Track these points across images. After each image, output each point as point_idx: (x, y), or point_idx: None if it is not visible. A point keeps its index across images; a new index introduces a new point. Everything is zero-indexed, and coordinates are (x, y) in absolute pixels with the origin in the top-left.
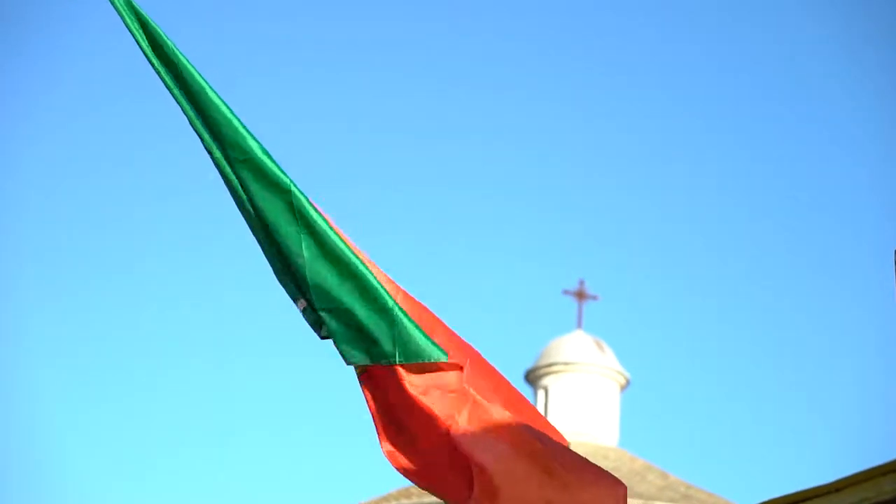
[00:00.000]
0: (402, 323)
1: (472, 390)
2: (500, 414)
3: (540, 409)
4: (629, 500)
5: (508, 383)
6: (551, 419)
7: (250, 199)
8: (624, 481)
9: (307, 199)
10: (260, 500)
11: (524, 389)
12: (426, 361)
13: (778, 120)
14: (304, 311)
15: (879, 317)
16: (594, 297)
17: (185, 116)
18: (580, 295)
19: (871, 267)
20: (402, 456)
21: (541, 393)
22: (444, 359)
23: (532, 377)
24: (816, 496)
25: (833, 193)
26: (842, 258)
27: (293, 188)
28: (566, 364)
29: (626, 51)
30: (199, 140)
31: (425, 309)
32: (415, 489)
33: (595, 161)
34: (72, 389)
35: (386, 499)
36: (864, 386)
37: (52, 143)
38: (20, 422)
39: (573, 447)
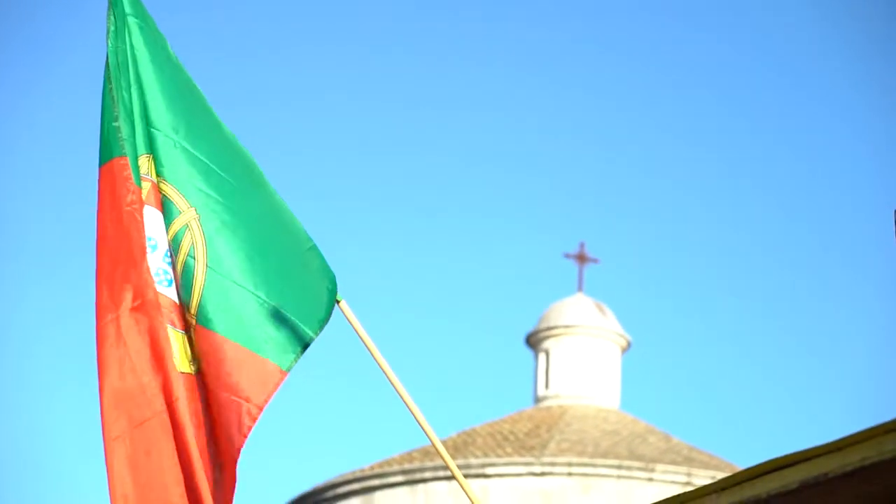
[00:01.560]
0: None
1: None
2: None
3: (541, 372)
4: (631, 461)
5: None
6: (552, 382)
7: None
8: (626, 444)
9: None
10: (253, 492)
11: (525, 353)
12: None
13: (777, 88)
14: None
15: (882, 276)
16: (595, 260)
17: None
18: (581, 258)
19: (872, 225)
20: None
21: (542, 356)
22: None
23: (533, 341)
24: (816, 456)
25: (835, 157)
26: (844, 217)
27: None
28: (567, 327)
29: (628, 19)
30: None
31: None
32: (417, 454)
33: (593, 125)
34: (71, 388)
35: (389, 463)
36: (866, 345)
37: (52, 141)
38: (19, 420)
39: (574, 410)
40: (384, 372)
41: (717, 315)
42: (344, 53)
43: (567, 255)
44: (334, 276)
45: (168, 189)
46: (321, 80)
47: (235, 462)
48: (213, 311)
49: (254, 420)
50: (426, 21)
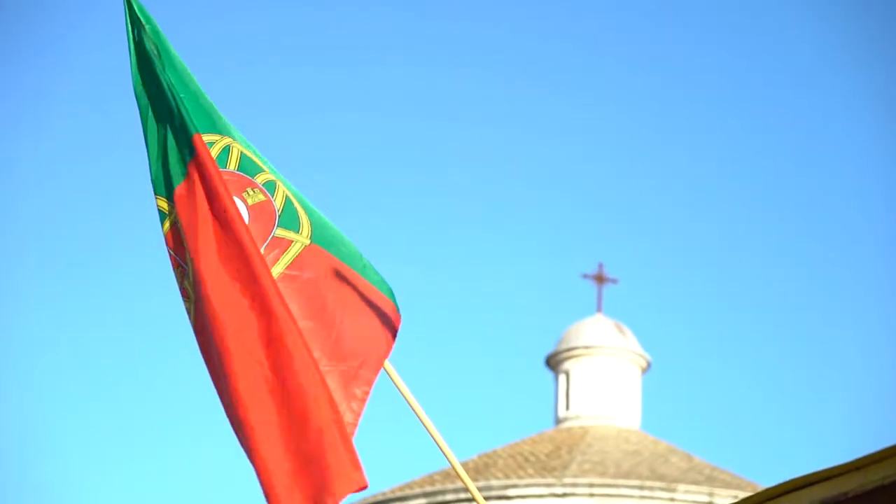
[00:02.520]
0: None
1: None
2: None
3: (561, 393)
4: (652, 481)
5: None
6: (573, 403)
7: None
8: (647, 464)
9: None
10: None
11: (545, 374)
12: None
13: (793, 103)
14: None
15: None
16: (613, 281)
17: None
18: (599, 279)
19: (885, 247)
20: None
21: (562, 378)
22: None
23: (553, 362)
24: (838, 475)
25: (848, 179)
26: (859, 239)
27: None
28: (587, 348)
29: (645, 33)
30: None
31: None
32: (438, 476)
33: (612, 145)
34: (70, 386)
35: (410, 486)
36: (889, 366)
37: (53, 139)
38: (17, 420)
39: (595, 430)
40: (403, 395)
41: (737, 334)
42: (362, 66)
43: (586, 276)
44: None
45: (244, 149)
46: (337, 92)
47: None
48: (328, 238)
49: (390, 346)
50: (447, 35)
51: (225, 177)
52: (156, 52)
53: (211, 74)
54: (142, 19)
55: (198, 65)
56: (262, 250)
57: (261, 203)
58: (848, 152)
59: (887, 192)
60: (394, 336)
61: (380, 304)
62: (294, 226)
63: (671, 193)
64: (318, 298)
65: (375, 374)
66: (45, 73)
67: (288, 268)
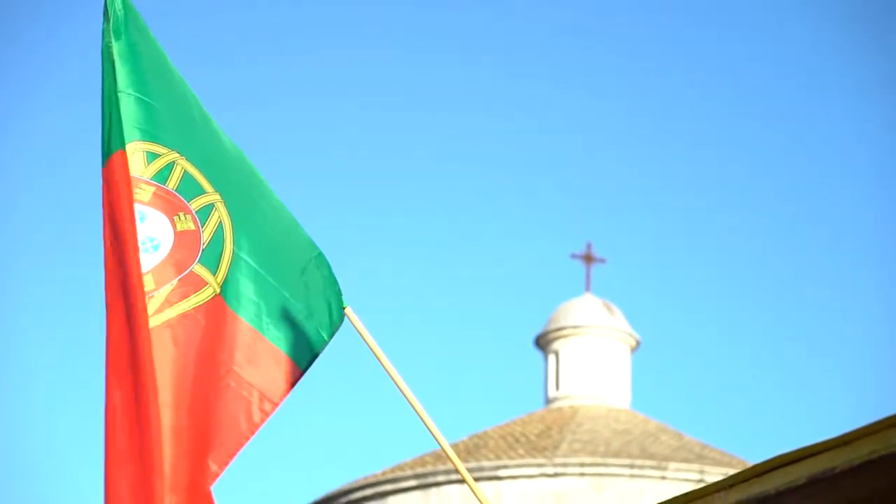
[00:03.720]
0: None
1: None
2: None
3: (551, 373)
4: (642, 460)
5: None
6: (563, 383)
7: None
8: (637, 443)
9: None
10: (267, 501)
11: (534, 355)
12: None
13: (782, 88)
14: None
15: (888, 272)
16: (602, 260)
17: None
18: (588, 258)
19: (876, 222)
20: None
21: (551, 358)
22: None
23: (542, 342)
24: (825, 450)
25: (840, 156)
26: (849, 215)
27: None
28: (576, 328)
29: (632, 18)
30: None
31: None
32: (429, 458)
33: (598, 124)
34: (70, 384)
35: (401, 467)
36: (875, 341)
37: (51, 136)
38: (14, 418)
39: (585, 410)
40: (392, 377)
41: (725, 312)
42: (345, 53)
43: (574, 256)
44: (338, 286)
45: (189, 167)
46: (320, 80)
47: (232, 456)
48: (236, 294)
49: (266, 414)
50: (429, 21)
51: (160, 193)
52: (134, 47)
53: (197, 66)
54: (127, 18)
55: (199, 58)
56: (174, 282)
57: (188, 232)
58: (836, 131)
59: (876, 168)
60: (282, 396)
61: (276, 361)
62: (213, 266)
63: (658, 173)
64: (209, 350)
65: (229, 457)
66: (44, 72)
67: (194, 309)
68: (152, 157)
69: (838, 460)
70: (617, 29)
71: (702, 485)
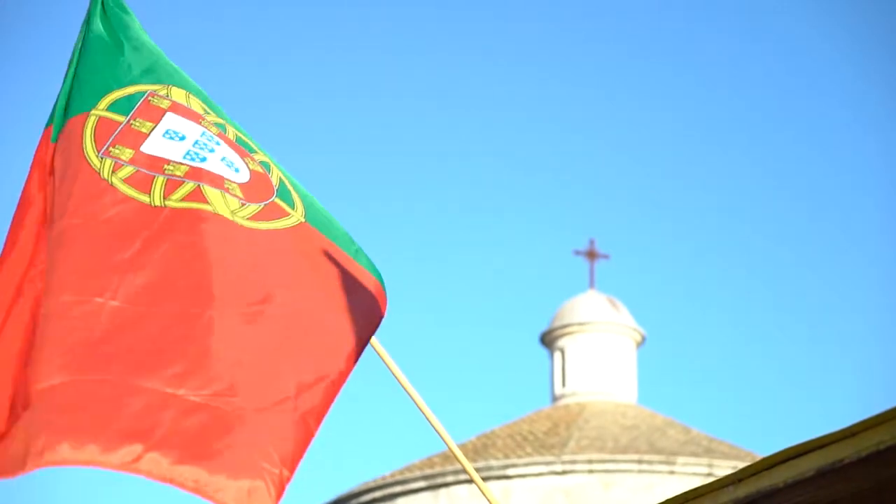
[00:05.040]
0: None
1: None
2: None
3: (557, 370)
4: (650, 455)
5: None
6: (569, 380)
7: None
8: (645, 438)
9: None
10: None
11: (540, 352)
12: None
13: (787, 84)
14: None
15: (892, 265)
16: (605, 256)
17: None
18: (591, 254)
19: (881, 215)
20: None
21: (557, 355)
22: None
23: (547, 339)
24: (831, 442)
25: (845, 151)
26: (853, 209)
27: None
28: (581, 324)
29: (638, 16)
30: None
31: None
32: (437, 458)
33: (601, 121)
34: None
35: (410, 468)
36: (881, 333)
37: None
38: None
39: (592, 406)
40: (398, 379)
41: (730, 305)
42: (346, 52)
43: (577, 252)
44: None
45: (237, 132)
46: (320, 80)
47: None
48: (320, 224)
49: (376, 325)
50: (436, 17)
51: (229, 138)
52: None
53: (203, 63)
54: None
55: (199, 59)
56: (262, 204)
57: (259, 173)
58: (840, 126)
59: (880, 160)
60: (380, 319)
61: (370, 287)
62: (289, 202)
63: (661, 168)
64: (299, 270)
65: (352, 360)
66: (44, 72)
67: (285, 229)
68: (208, 111)
69: (846, 452)
70: (621, 26)
71: (711, 478)
